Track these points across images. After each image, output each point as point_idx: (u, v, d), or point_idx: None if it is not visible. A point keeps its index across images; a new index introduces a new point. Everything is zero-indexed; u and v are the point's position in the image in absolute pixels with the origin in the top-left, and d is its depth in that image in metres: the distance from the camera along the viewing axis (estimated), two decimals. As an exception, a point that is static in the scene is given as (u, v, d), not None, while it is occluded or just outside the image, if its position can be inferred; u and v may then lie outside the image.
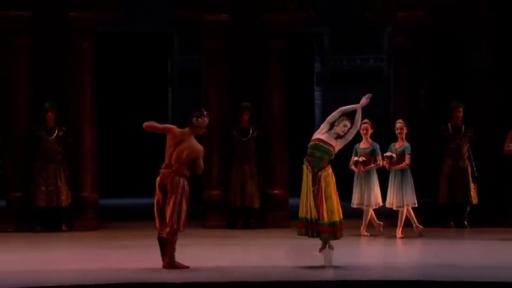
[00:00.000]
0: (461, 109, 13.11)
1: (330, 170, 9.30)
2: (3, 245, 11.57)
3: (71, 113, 13.03)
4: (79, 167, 12.94)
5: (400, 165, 11.91)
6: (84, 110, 13.04)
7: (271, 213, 13.19)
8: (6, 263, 9.70)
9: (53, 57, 12.88)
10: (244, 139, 13.17)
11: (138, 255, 10.49)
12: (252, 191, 13.06)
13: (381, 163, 12.06)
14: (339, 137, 9.42)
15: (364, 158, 12.09)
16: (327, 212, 9.14)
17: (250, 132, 13.21)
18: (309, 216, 9.21)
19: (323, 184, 9.16)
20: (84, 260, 9.81)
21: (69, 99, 13.03)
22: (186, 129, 9.27)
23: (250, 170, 13.13)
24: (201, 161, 9.15)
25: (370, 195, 12.07)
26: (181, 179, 9.01)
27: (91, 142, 13.09)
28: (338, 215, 9.22)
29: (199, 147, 9.20)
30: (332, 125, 9.44)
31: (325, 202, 9.14)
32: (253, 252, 10.90)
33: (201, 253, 10.58)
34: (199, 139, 9.50)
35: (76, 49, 12.94)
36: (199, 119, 9.21)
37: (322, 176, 9.22)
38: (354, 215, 12.45)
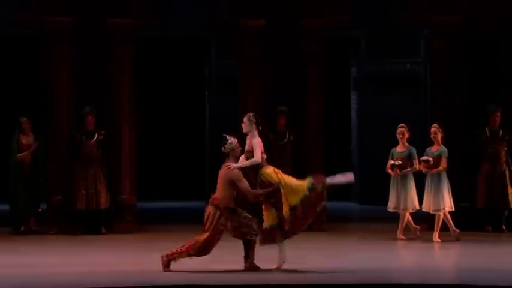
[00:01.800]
0: (499, 113, 13.06)
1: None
2: (45, 248, 11.76)
3: (110, 117, 13.20)
4: (118, 170, 13.09)
5: (437, 169, 11.90)
6: (123, 114, 13.20)
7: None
8: (49, 266, 9.85)
9: (93, 62, 13.05)
10: (280, 143, 13.25)
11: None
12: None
13: (418, 167, 12.07)
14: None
15: (400, 162, 12.11)
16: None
17: (287, 136, 13.28)
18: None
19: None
20: (123, 263, 9.91)
21: (108, 104, 13.20)
22: (227, 161, 9.38)
23: (286, 173, 13.16)
24: (242, 184, 9.22)
25: (407, 199, 12.07)
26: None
27: (130, 146, 13.25)
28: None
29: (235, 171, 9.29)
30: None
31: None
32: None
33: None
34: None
35: (115, 55, 13.10)
36: (226, 146, 9.34)
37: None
38: (390, 219, 12.47)
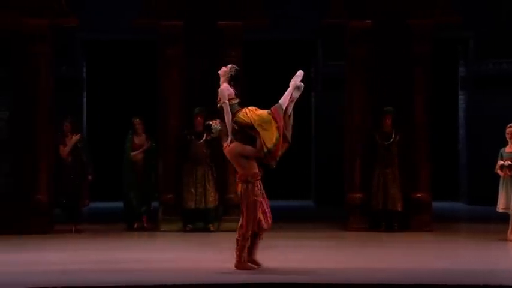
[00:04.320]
0: None
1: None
2: (157, 245, 12.12)
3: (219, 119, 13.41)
4: (226, 169, 13.34)
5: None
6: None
7: (414, 217, 13.21)
8: (161, 262, 10.14)
9: (202, 65, 13.34)
10: (386, 143, 13.26)
11: (289, 254, 10.69)
12: (394, 194, 13.14)
13: (527, 168, 11.89)
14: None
15: (510, 162, 11.95)
16: None
17: (393, 136, 13.28)
18: None
19: None
20: (225, 260, 10.08)
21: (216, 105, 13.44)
22: (222, 142, 9.31)
23: (392, 173, 13.21)
24: (246, 151, 9.05)
25: (516, 200, 11.91)
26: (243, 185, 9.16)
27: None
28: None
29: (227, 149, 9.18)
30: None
31: None
32: (396, 254, 10.95)
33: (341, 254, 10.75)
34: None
35: (225, 57, 13.35)
36: (213, 132, 9.29)
37: None
38: (499, 220, 12.32)
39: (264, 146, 9.01)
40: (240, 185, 9.13)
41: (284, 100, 9.13)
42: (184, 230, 13.15)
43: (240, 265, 9.13)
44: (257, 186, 9.10)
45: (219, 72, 9.43)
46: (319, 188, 17.87)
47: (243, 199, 9.08)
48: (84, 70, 18.15)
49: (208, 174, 13.19)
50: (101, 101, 18.50)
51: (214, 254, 10.63)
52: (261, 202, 9.16)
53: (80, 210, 13.54)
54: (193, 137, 13.24)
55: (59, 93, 13.85)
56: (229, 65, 9.47)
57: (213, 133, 9.36)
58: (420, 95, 13.33)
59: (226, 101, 9.14)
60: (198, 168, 13.16)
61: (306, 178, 18.33)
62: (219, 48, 13.32)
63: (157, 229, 13.20)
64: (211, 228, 13.18)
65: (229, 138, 9.13)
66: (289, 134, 9.19)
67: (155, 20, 13.28)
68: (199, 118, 13.12)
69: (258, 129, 9.00)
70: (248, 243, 9.13)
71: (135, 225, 13.32)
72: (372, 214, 13.25)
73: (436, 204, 13.71)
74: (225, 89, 9.22)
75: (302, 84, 9.18)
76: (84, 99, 18.14)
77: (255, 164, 9.11)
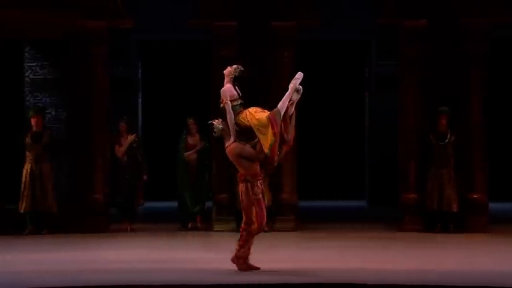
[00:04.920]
0: None
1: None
2: (210, 244, 12.19)
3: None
4: (279, 169, 13.35)
5: None
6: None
7: (470, 218, 13.09)
8: (214, 261, 10.21)
9: (256, 65, 13.39)
10: (441, 143, 13.16)
11: (335, 255, 10.72)
12: (449, 194, 13.03)
13: None
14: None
15: None
16: None
17: (448, 136, 13.17)
18: None
19: None
20: (280, 260, 10.12)
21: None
22: (225, 142, 9.31)
23: (447, 174, 13.10)
24: (246, 152, 9.06)
25: None
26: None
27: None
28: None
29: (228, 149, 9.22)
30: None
31: None
32: (451, 255, 10.88)
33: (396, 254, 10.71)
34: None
35: (278, 57, 13.39)
36: (215, 131, 9.28)
37: None
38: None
39: (263, 150, 9.06)
40: (240, 185, 9.19)
41: (282, 104, 9.09)
42: (237, 229, 13.15)
43: (243, 265, 9.16)
44: (257, 185, 9.13)
45: (224, 72, 9.47)
46: (372, 188, 17.80)
47: (243, 198, 9.15)
48: (140, 71, 18.35)
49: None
50: (156, 101, 18.68)
51: (262, 254, 10.66)
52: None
53: (135, 209, 13.70)
54: (246, 138, 13.26)
55: (114, 94, 14.03)
56: (234, 65, 9.50)
57: (215, 132, 9.41)
58: (476, 94, 13.20)
59: (228, 102, 9.19)
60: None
61: (359, 178, 18.28)
62: (272, 48, 13.36)
63: (211, 229, 13.30)
64: (265, 228, 13.18)
65: (232, 139, 9.17)
66: (289, 136, 9.14)
67: (209, 21, 13.36)
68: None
69: (257, 133, 9.05)
70: (252, 241, 9.19)
71: (189, 225, 13.43)
72: (427, 215, 13.16)
73: (492, 205, 13.56)
74: (227, 89, 9.28)
75: (301, 87, 9.11)
76: (140, 100, 18.33)
77: (255, 165, 9.13)
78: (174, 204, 13.93)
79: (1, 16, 13.15)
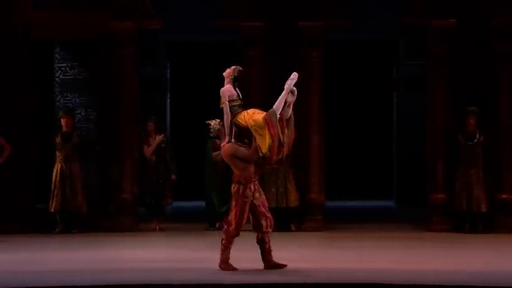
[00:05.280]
0: None
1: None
2: (236, 244, 12.21)
3: (299, 118, 13.47)
4: (307, 169, 13.40)
5: None
6: (312, 115, 13.46)
7: (500, 218, 13.03)
8: (241, 260, 10.24)
9: (283, 66, 13.41)
10: (470, 143, 13.11)
11: (362, 255, 10.69)
12: (478, 195, 12.98)
13: None
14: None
15: None
16: None
17: (477, 136, 13.12)
18: None
19: None
20: (308, 260, 10.13)
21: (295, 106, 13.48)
22: (221, 142, 9.37)
23: (476, 174, 13.05)
24: (240, 153, 9.06)
25: None
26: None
27: (318, 145, 13.51)
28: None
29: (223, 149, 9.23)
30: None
31: None
32: (480, 256, 10.83)
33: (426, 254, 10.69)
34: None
35: (305, 57, 13.41)
36: (211, 131, 9.42)
37: None
38: None
39: (260, 151, 9.03)
40: (232, 185, 9.21)
41: (278, 105, 9.06)
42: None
43: (223, 265, 9.19)
44: (249, 188, 9.12)
45: (223, 73, 9.50)
46: (400, 188, 17.76)
47: (234, 199, 9.19)
48: (168, 71, 18.45)
49: (289, 174, 13.26)
50: (184, 102, 18.77)
51: (290, 252, 10.70)
52: (258, 205, 9.20)
53: (164, 209, 13.78)
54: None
55: (143, 94, 14.12)
56: (233, 67, 9.53)
57: (211, 132, 9.47)
58: (505, 94, 13.15)
59: (226, 102, 9.23)
60: (279, 168, 13.22)
61: (387, 178, 18.24)
62: (299, 48, 13.38)
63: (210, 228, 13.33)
64: (292, 228, 13.24)
65: (227, 139, 9.18)
66: (287, 140, 9.09)
67: (236, 21, 13.41)
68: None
69: (254, 133, 9.05)
70: (231, 245, 9.23)
71: (217, 225, 13.48)
72: (455, 215, 13.12)
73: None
74: (226, 90, 9.33)
75: (295, 88, 9.04)
76: (168, 100, 18.43)
77: (250, 166, 9.13)
78: (201, 204, 13.99)
79: (32, 18, 13.30)
